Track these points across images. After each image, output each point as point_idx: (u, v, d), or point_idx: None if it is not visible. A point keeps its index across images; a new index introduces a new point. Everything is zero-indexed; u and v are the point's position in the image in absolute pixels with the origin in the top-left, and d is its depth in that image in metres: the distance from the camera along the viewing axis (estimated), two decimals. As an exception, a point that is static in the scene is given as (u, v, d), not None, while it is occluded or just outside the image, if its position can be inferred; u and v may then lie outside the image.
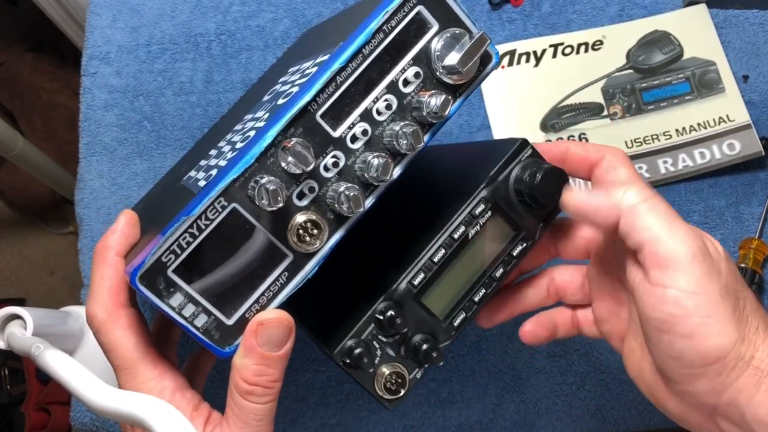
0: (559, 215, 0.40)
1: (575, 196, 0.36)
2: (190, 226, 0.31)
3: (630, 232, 0.33)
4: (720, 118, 0.63)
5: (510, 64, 0.65)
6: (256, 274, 0.33)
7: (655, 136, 0.63)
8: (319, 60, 0.36)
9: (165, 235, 0.31)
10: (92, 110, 0.65)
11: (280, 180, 0.31)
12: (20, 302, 1.33)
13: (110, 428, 0.59)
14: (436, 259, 0.37)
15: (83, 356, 0.55)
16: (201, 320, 0.32)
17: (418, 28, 0.34)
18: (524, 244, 0.39)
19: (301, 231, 0.33)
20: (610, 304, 0.39)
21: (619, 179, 0.37)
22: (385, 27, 0.33)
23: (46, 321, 0.49)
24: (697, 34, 0.65)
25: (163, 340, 0.42)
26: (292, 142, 0.31)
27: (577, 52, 0.65)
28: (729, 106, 0.63)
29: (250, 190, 0.31)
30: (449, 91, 0.35)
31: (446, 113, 0.34)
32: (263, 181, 0.31)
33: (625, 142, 0.63)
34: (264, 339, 0.32)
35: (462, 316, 0.38)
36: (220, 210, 0.31)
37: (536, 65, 0.65)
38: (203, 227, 0.31)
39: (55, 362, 0.35)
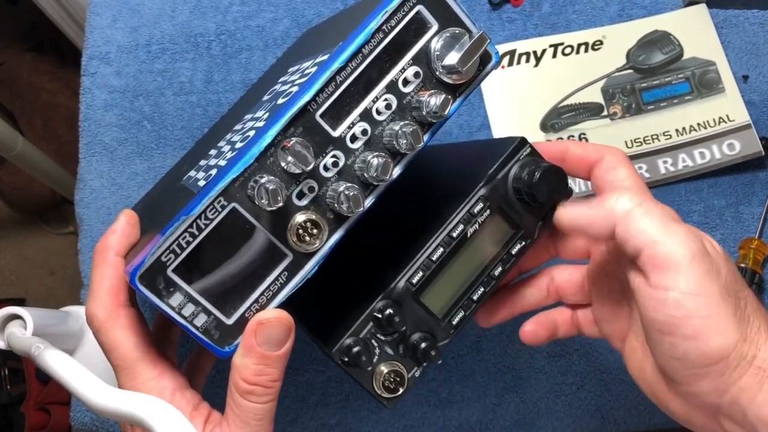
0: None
1: (567, 212, 0.36)
2: (190, 226, 0.31)
3: (627, 238, 0.32)
4: (720, 118, 0.63)
5: (510, 64, 0.65)
6: (255, 273, 0.33)
7: (655, 136, 0.63)
8: (318, 60, 0.36)
9: (165, 234, 0.31)
10: (92, 110, 0.65)
11: (279, 180, 0.31)
12: (20, 302, 1.33)
13: (110, 428, 0.59)
14: (434, 258, 0.37)
15: (83, 356, 0.55)
16: (200, 320, 0.32)
17: (417, 27, 0.34)
18: (523, 243, 0.39)
19: (300, 231, 0.33)
20: (611, 304, 0.39)
21: (619, 179, 0.37)
22: (384, 27, 0.33)
23: (46, 321, 0.49)
24: (697, 34, 0.65)
25: (163, 339, 0.42)
26: (291, 142, 0.31)
27: (577, 52, 0.65)
28: (729, 106, 0.63)
29: (250, 190, 0.31)
30: (449, 90, 0.35)
31: (446, 113, 0.34)
32: (263, 180, 0.31)
33: (625, 142, 0.63)
34: (264, 338, 0.32)
35: (460, 314, 0.38)
36: (219, 210, 0.31)
37: (536, 65, 0.65)
38: (203, 227, 0.31)
39: (55, 362, 0.35)
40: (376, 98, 0.34)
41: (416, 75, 0.34)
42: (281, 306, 0.34)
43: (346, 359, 0.36)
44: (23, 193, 1.38)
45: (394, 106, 0.34)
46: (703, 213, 0.62)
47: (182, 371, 0.38)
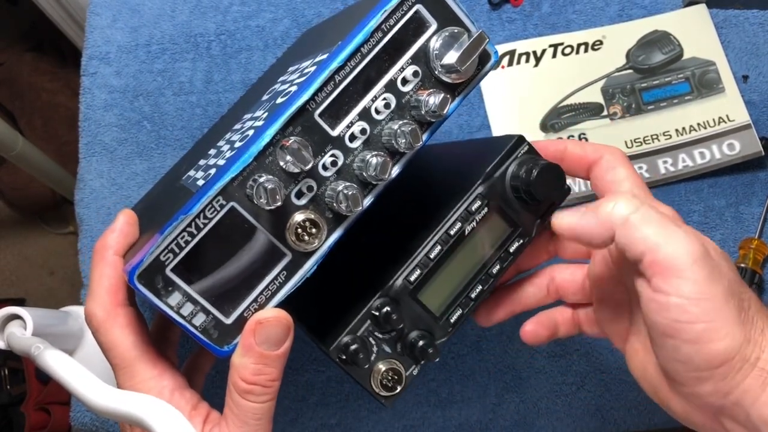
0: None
1: (565, 219, 0.35)
2: (189, 225, 0.31)
3: (627, 245, 0.32)
4: (720, 118, 0.63)
5: (510, 64, 0.65)
6: (254, 273, 0.33)
7: (654, 136, 0.63)
8: (317, 59, 0.36)
9: (163, 233, 0.31)
10: (92, 110, 0.65)
11: (278, 179, 0.31)
12: (20, 302, 1.33)
13: (110, 428, 0.59)
14: (432, 256, 0.37)
15: (83, 356, 0.55)
16: (199, 319, 0.32)
17: (416, 26, 0.34)
18: (521, 241, 0.39)
19: (299, 230, 0.33)
20: (612, 304, 0.39)
21: (618, 179, 0.37)
22: (383, 26, 0.33)
23: (46, 321, 0.49)
24: (697, 34, 0.65)
25: (163, 339, 0.42)
26: (290, 141, 0.31)
27: (577, 52, 0.65)
28: (729, 106, 0.63)
29: (249, 189, 0.31)
30: (448, 89, 0.35)
31: (445, 112, 0.34)
32: (262, 180, 0.31)
33: (625, 142, 0.63)
34: (262, 338, 0.32)
35: (458, 312, 0.38)
36: (218, 209, 0.31)
37: (536, 65, 0.65)
38: (201, 226, 0.31)
39: (55, 362, 0.35)
40: (375, 97, 0.34)
41: (415, 74, 0.34)
42: (280, 305, 0.34)
43: (344, 357, 0.36)
44: (23, 193, 1.38)
45: (393, 105, 0.34)
46: (703, 213, 0.62)
47: (181, 371, 0.38)
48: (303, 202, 0.33)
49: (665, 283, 0.31)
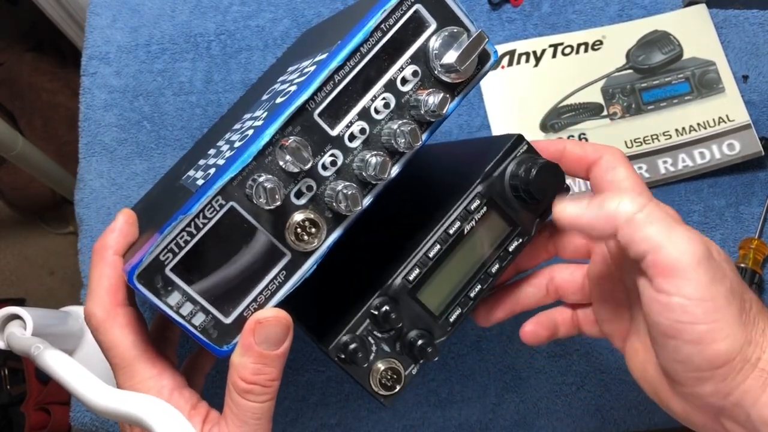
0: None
1: (568, 209, 0.35)
2: (188, 225, 0.31)
3: (630, 243, 0.32)
4: (720, 118, 0.63)
5: (510, 64, 0.65)
6: (254, 272, 0.33)
7: (654, 136, 0.63)
8: (317, 59, 0.36)
9: (163, 233, 0.31)
10: (92, 110, 0.65)
11: (278, 178, 0.31)
12: (20, 302, 1.33)
13: (110, 428, 0.59)
14: (431, 255, 0.37)
15: (83, 356, 0.55)
16: (199, 319, 0.32)
17: (416, 26, 0.34)
18: (520, 240, 0.39)
19: (299, 230, 0.33)
20: (612, 304, 0.39)
21: (618, 179, 0.37)
22: (383, 25, 0.33)
23: (46, 321, 0.49)
24: (696, 34, 0.65)
25: (162, 339, 0.42)
26: (289, 141, 0.31)
27: (577, 52, 0.65)
28: (729, 106, 0.63)
29: (248, 189, 0.31)
30: (447, 89, 0.35)
31: (444, 112, 0.34)
32: (261, 179, 0.31)
33: (625, 142, 0.63)
34: (262, 337, 0.32)
35: (458, 311, 0.38)
36: (217, 208, 0.31)
37: (536, 65, 0.65)
38: (201, 226, 0.31)
39: (55, 362, 0.35)
40: (375, 97, 0.34)
41: (414, 74, 0.34)
42: (280, 305, 0.34)
43: (343, 356, 0.36)
44: (23, 193, 1.38)
45: (392, 105, 0.34)
46: (703, 213, 0.62)
47: (181, 371, 0.38)
48: (302, 201, 0.33)
49: (668, 284, 0.31)
